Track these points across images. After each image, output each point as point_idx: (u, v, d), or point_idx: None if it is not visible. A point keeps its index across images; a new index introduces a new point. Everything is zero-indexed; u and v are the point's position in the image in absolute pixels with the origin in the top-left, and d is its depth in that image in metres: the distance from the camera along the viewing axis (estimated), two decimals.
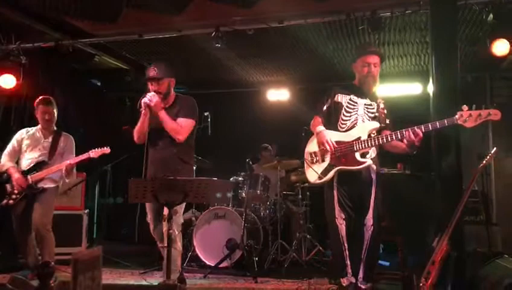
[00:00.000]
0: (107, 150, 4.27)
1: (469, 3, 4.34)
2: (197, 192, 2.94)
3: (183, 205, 3.64)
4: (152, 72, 3.63)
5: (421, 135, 3.22)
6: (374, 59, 3.61)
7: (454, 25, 3.95)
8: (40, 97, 4.44)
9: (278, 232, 5.16)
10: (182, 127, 3.61)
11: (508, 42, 4.33)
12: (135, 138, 3.73)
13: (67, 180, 4.37)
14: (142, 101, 3.54)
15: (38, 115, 4.39)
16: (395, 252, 4.68)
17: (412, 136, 3.23)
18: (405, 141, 3.29)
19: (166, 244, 3.15)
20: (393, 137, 3.34)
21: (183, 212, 4.18)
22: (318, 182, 3.61)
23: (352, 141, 3.48)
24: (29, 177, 4.18)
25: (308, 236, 5.19)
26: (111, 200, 7.35)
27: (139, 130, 3.68)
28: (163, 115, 3.57)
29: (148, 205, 3.70)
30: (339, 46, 5.81)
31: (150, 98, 3.52)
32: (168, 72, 3.67)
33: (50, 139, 4.37)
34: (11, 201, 4.17)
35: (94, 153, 4.23)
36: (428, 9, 4.15)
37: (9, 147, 4.37)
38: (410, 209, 4.65)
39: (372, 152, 3.53)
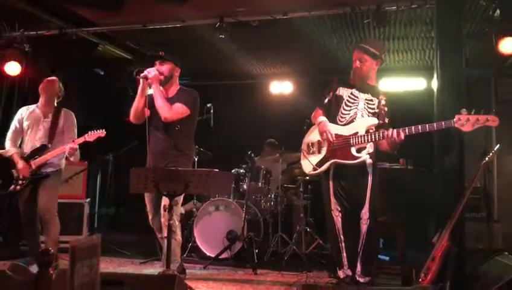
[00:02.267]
0: (102, 133, 4.23)
1: None
2: (198, 183, 2.94)
3: (182, 195, 3.65)
4: (159, 52, 3.72)
5: (402, 136, 3.23)
6: (359, 54, 3.62)
7: (460, 20, 3.92)
8: None
9: (278, 224, 5.17)
10: (171, 108, 3.58)
11: None
12: (131, 117, 3.71)
13: (71, 159, 4.33)
14: (141, 73, 3.55)
15: (41, 87, 4.37)
16: (395, 246, 4.68)
17: (395, 135, 3.24)
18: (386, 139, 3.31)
19: (165, 235, 3.16)
20: (385, 134, 3.34)
21: (184, 203, 4.18)
22: (313, 173, 3.66)
23: (350, 135, 3.49)
24: (32, 162, 4.18)
25: (308, 229, 5.20)
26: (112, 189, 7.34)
27: (135, 108, 3.67)
28: (157, 89, 3.57)
29: (146, 196, 3.70)
30: (343, 40, 5.78)
31: (149, 70, 3.56)
32: (173, 58, 3.73)
33: (50, 117, 4.31)
34: (18, 187, 4.18)
35: (90, 136, 4.19)
36: (434, 4, 4.12)
37: (11, 129, 4.34)
38: (412, 204, 4.64)
39: (370, 147, 3.53)
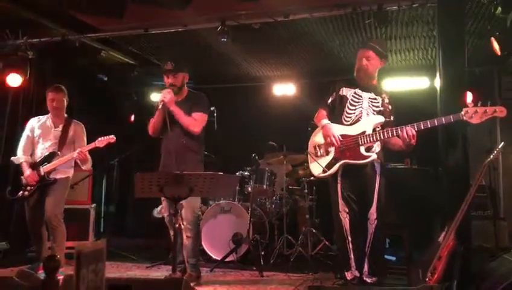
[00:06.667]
0: (112, 138, 4.30)
1: None
2: (202, 186, 2.95)
3: (199, 197, 4.01)
4: (169, 66, 3.95)
5: (414, 133, 3.22)
6: (366, 53, 3.62)
7: (461, 18, 3.91)
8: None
9: (283, 226, 5.17)
10: (196, 120, 3.89)
11: None
12: (150, 131, 4.02)
13: (84, 167, 4.43)
14: (160, 105, 3.82)
15: (47, 102, 4.44)
16: (401, 246, 4.66)
17: (410, 132, 3.23)
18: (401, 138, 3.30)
19: (182, 235, 3.39)
20: (394, 133, 3.33)
21: None
22: (322, 175, 3.63)
23: (357, 134, 3.48)
24: (41, 169, 4.24)
25: (314, 230, 5.19)
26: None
27: (153, 124, 3.97)
28: (177, 110, 3.83)
29: None
30: (345, 41, 5.77)
31: (164, 94, 3.80)
32: (183, 67, 4.00)
33: (60, 127, 4.42)
34: (26, 193, 4.24)
35: (100, 142, 4.28)
36: (436, 3, 4.11)
37: (23, 139, 4.44)
38: (417, 203, 4.63)
39: (377, 146, 3.53)
